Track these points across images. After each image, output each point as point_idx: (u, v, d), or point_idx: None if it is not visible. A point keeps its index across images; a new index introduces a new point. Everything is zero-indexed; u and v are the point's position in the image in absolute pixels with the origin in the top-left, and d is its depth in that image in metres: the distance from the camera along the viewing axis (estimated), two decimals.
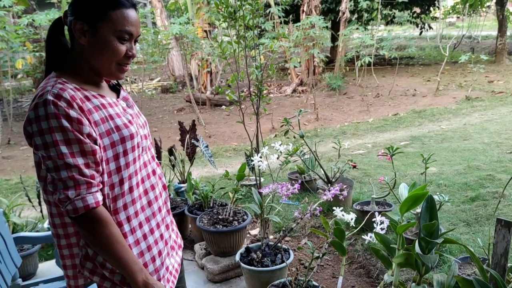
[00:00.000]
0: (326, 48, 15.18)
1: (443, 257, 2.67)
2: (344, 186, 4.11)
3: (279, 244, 2.66)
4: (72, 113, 1.19)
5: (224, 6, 3.36)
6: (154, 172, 1.46)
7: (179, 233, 1.65)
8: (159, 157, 4.40)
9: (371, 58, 9.60)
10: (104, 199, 1.27)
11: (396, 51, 10.63)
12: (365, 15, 12.96)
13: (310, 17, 9.71)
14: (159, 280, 1.40)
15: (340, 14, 11.87)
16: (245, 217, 2.92)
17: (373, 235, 2.18)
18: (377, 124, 7.87)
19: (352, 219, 2.51)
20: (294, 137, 3.67)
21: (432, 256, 1.84)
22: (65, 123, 1.18)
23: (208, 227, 2.81)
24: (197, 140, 4.32)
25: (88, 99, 1.28)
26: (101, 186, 1.25)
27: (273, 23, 10.99)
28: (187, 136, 4.36)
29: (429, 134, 6.90)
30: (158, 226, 1.43)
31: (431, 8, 17.28)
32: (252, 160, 2.72)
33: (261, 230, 2.71)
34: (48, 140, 1.18)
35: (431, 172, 4.61)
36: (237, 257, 2.55)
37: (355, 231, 2.58)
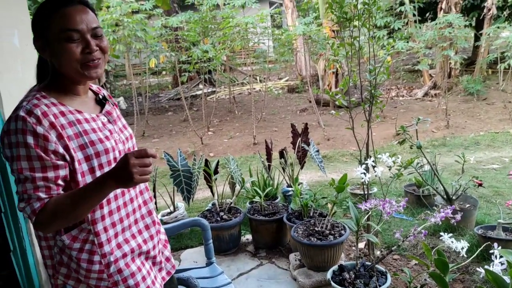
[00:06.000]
0: (468, 49, 13.88)
1: None
2: (467, 206, 3.68)
3: (377, 266, 2.43)
4: (39, 129, 1.23)
5: (338, 5, 3.19)
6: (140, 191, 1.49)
7: (165, 264, 1.61)
8: (269, 159, 4.37)
9: None
10: None
11: None
12: None
13: (448, 15, 8.92)
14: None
15: (485, 10, 10.74)
16: (342, 232, 2.73)
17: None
18: None
19: (463, 248, 2.20)
20: (411, 147, 3.35)
21: None
22: (30, 139, 1.22)
23: (302, 238, 2.69)
24: (308, 144, 4.21)
25: (63, 114, 1.31)
26: (51, 195, 1.27)
27: (407, 22, 10.32)
28: (299, 139, 4.27)
29: None
30: (132, 250, 1.42)
31: None
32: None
33: (357, 249, 2.51)
34: (14, 154, 1.24)
35: None
36: (329, 274, 2.39)
37: (470, 259, 2.26)
